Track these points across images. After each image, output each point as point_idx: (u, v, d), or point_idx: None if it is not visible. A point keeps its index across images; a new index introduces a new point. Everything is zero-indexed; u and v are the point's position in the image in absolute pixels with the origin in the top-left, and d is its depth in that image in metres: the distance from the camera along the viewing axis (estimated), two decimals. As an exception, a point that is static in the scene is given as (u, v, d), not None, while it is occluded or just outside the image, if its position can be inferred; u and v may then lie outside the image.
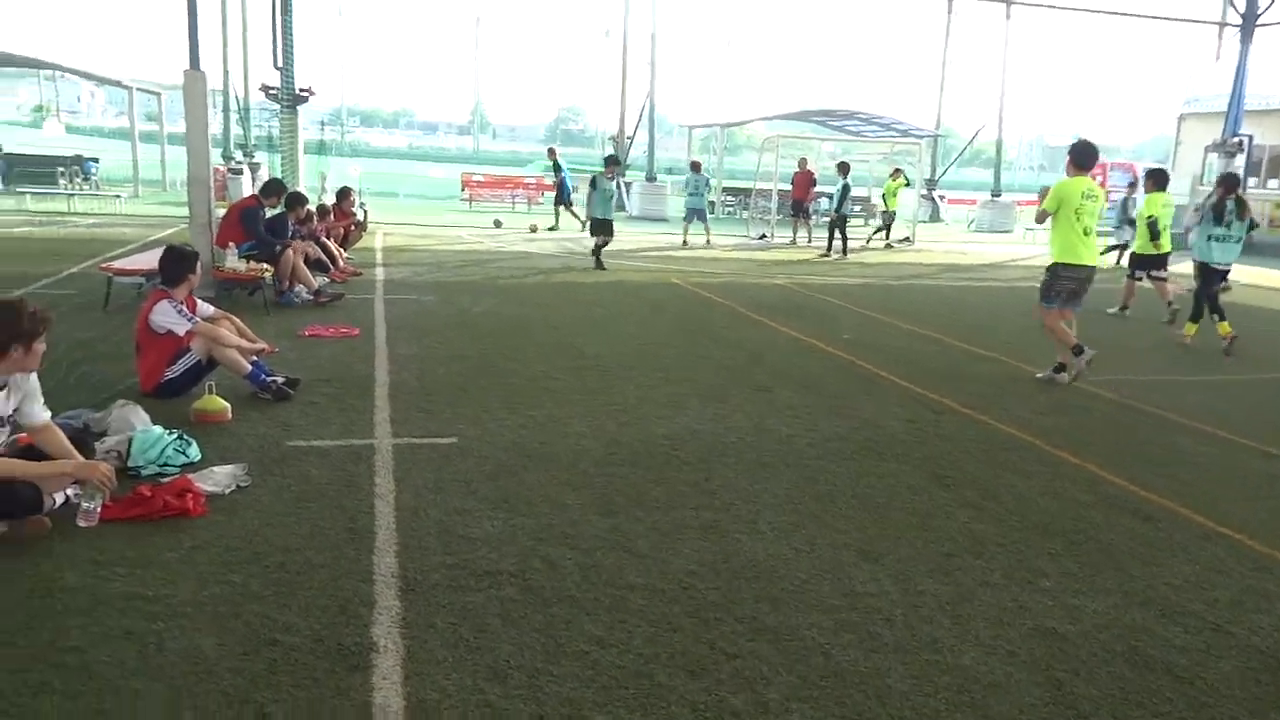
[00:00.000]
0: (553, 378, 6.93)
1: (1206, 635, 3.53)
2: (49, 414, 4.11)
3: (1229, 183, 10.34)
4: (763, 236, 21.51)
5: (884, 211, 21.43)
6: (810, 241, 20.57)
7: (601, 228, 14.53)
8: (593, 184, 14.74)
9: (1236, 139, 24.06)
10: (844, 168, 19.22)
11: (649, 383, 6.95)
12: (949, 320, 10.83)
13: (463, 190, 28.25)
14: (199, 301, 6.09)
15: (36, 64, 32.56)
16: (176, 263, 5.96)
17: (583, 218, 21.33)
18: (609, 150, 34.09)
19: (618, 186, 28.65)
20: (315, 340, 7.84)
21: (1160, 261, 11.71)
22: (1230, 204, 10.01)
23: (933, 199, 31.30)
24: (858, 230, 22.23)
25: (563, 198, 21.74)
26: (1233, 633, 3.56)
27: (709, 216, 19.97)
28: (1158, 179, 11.63)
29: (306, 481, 4.54)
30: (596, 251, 14.39)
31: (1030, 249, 23.17)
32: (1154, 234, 11.48)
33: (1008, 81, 30.35)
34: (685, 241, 19.19)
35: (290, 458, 4.86)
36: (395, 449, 5.10)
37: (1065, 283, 7.69)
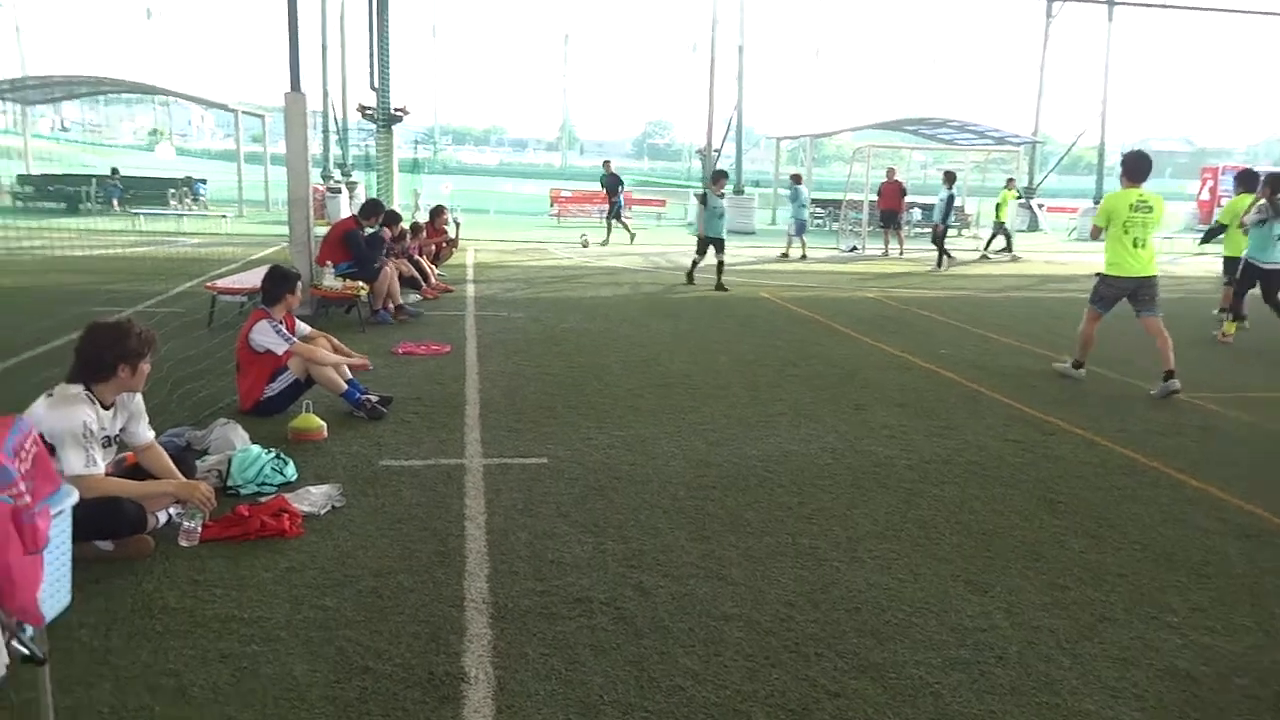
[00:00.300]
0: (641, 396, 6.85)
1: (1361, 683, 3.22)
2: (153, 433, 4.20)
3: (1276, 182, 10.11)
4: (853, 249, 21.11)
5: (995, 222, 20.81)
6: (902, 253, 20.10)
7: (713, 245, 13.65)
8: (702, 200, 14.00)
9: (1363, 138, 22.62)
10: (949, 177, 18.81)
11: (739, 401, 6.81)
12: (1052, 334, 10.38)
13: (551, 206, 28.54)
14: (297, 321, 6.20)
15: (150, 90, 34.15)
16: (277, 282, 6.09)
17: (632, 230, 21.30)
18: (695, 163, 34.02)
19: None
20: (408, 358, 7.93)
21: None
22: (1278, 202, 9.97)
23: (1031, 207, 30.31)
24: (952, 242, 21.61)
25: (615, 211, 21.44)
26: (1391, 682, 3.24)
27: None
28: (1246, 181, 11.46)
29: (399, 502, 4.54)
30: (693, 267, 14.01)
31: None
32: (1210, 235, 12.02)
33: (1110, 84, 29.24)
34: (787, 254, 18.94)
35: (383, 477, 4.88)
36: (485, 469, 5.08)
37: (1110, 290, 7.91)
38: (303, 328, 6.20)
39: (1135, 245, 7.67)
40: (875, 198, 21.47)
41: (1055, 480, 5.24)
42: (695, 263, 14.01)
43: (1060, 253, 22.31)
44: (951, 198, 18.30)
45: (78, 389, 3.81)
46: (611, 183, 21.55)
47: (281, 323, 5.99)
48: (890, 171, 21.35)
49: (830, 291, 13.80)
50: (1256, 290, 10.36)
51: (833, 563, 4.04)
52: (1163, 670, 3.24)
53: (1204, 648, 3.41)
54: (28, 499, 2.27)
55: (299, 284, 6.25)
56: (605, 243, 20.80)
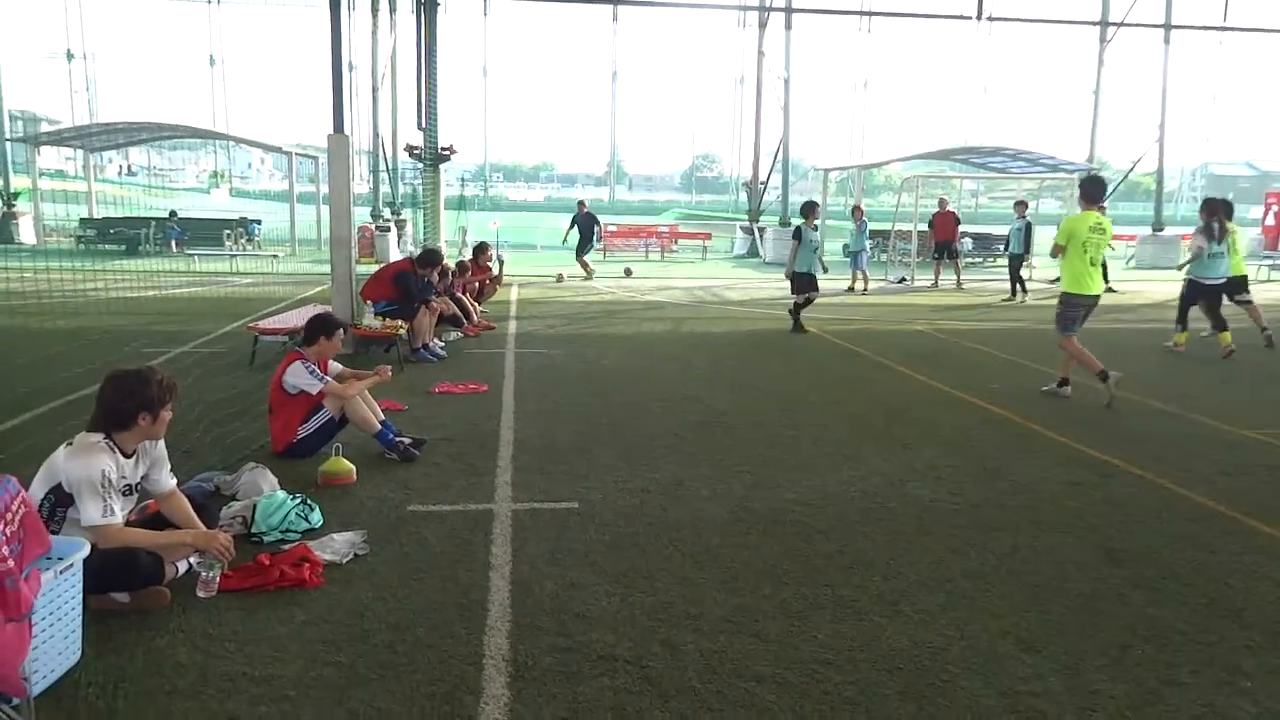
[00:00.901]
0: (678, 435, 6.68)
1: None
2: (175, 481, 4.14)
3: (1213, 206, 11.24)
4: (902, 280, 20.76)
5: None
6: (960, 284, 19.70)
7: (806, 284, 12.61)
8: (796, 234, 12.65)
9: None
10: (1023, 206, 18.37)
11: (779, 440, 6.60)
12: (1113, 368, 9.98)
13: (598, 241, 28.60)
14: (330, 363, 6.17)
15: (209, 134, 35.19)
16: (315, 327, 6.10)
17: (591, 268, 20.61)
18: (743, 195, 33.95)
19: (754, 233, 28.50)
20: (445, 397, 7.86)
21: (1242, 284, 12.01)
22: (1216, 226, 10.95)
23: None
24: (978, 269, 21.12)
25: (583, 248, 20.96)
26: None
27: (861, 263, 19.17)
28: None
29: (423, 550, 4.42)
30: (797, 311, 12.57)
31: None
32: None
33: (1168, 108, 28.57)
34: (853, 287, 18.57)
35: (409, 523, 4.77)
36: (514, 515, 4.94)
37: (1077, 310, 8.27)
38: (334, 367, 6.16)
39: (1092, 264, 8.23)
40: (926, 228, 21.11)
41: (1114, 526, 4.94)
42: (799, 306, 12.59)
43: (1119, 281, 21.67)
44: (1029, 226, 17.88)
45: (98, 438, 3.76)
46: (586, 222, 21.06)
47: (315, 364, 5.97)
48: (943, 202, 20.99)
49: (878, 324, 13.53)
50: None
51: (873, 617, 3.82)
52: (1235, 743, 2.97)
53: (1281, 717, 3.12)
54: (10, 564, 2.18)
55: (338, 331, 6.23)
56: (588, 277, 20.27)
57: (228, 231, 26.17)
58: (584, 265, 20.76)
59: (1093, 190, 8.46)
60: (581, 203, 22.25)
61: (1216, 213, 11.08)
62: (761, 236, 27.71)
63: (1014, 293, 17.45)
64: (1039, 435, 6.90)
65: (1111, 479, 5.81)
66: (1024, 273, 17.89)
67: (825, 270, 13.65)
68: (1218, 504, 5.33)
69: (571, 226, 21.29)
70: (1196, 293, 11.21)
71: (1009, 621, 3.81)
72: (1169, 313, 15.73)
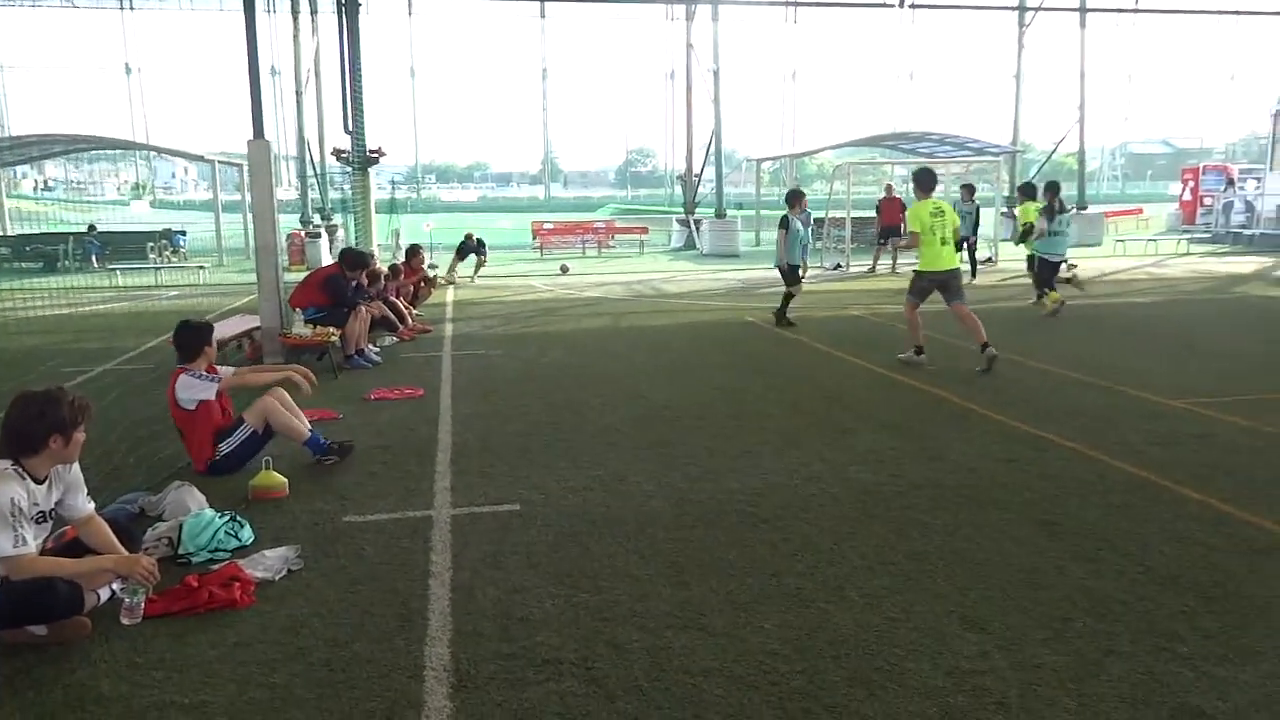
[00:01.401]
0: (619, 431, 6.62)
1: (1388, 710, 2.98)
2: (93, 505, 3.97)
3: (1054, 188, 12.83)
4: (838, 266, 20.98)
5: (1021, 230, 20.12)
6: (894, 270, 19.95)
7: (794, 277, 12.18)
8: (783, 224, 12.11)
9: (1340, 131, 22.66)
10: (970, 190, 18.45)
11: (721, 431, 6.59)
12: (1042, 344, 10.20)
13: (533, 239, 28.41)
14: (218, 367, 5.97)
15: (127, 145, 34.13)
16: (191, 337, 5.83)
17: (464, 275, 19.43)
18: (678, 189, 33.97)
19: (690, 226, 28.54)
20: (380, 403, 7.70)
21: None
22: (1057, 205, 12.51)
23: (1013, 216, 30.26)
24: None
25: (464, 252, 20.16)
26: None
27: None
28: (1027, 191, 14.68)
29: (359, 561, 4.30)
30: (784, 308, 12.08)
31: (1124, 261, 22.14)
32: (1023, 237, 13.68)
33: (1086, 90, 29.30)
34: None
35: (345, 535, 4.64)
36: (454, 520, 4.84)
37: (929, 284, 9.24)
38: (225, 370, 5.94)
39: (942, 244, 9.07)
40: (863, 214, 21.38)
41: (1051, 500, 5.02)
42: (789, 297, 12.11)
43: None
44: (978, 209, 18.19)
45: (5, 464, 3.58)
46: (471, 246, 20.23)
47: (203, 371, 5.75)
48: (889, 188, 21.35)
49: (816, 311, 13.62)
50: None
51: (819, 604, 3.80)
52: (1176, 709, 3.00)
53: (1218, 680, 3.17)
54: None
55: (213, 334, 6.01)
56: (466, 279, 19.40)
57: (151, 244, 25.37)
58: (449, 275, 19.57)
59: (925, 181, 9.47)
60: (469, 235, 20.94)
61: (1054, 195, 12.66)
62: (698, 229, 27.76)
63: (973, 273, 17.64)
64: (975, 414, 6.99)
65: (1046, 454, 5.90)
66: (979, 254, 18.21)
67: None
68: (1149, 473, 5.44)
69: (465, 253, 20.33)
70: (1043, 266, 12.91)
71: (953, 601, 3.83)
72: (1095, 288, 16.17)
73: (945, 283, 9.18)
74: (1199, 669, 3.26)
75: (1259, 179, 27.98)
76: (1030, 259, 13.55)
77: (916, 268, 9.37)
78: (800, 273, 12.55)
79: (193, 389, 5.62)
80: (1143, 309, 13.46)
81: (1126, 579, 4.01)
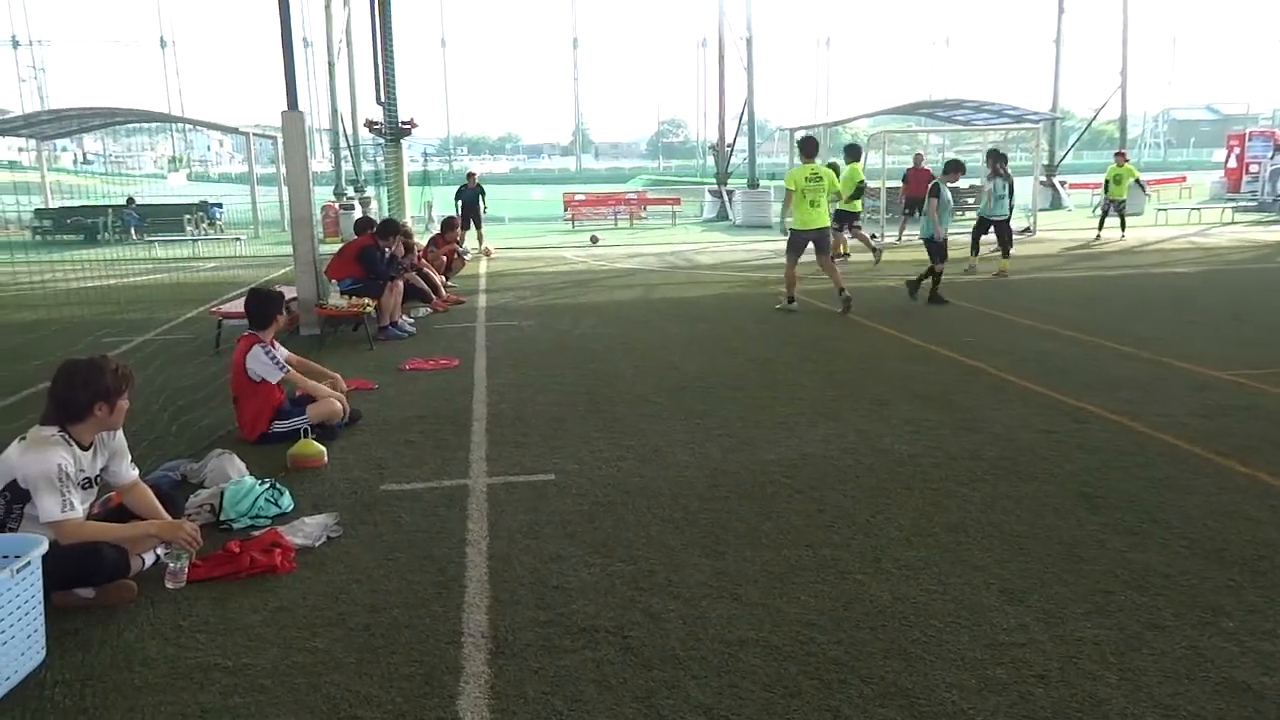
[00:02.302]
0: (653, 402, 6.62)
1: None
2: (136, 471, 4.03)
3: (997, 155, 14.67)
4: (873, 236, 20.73)
5: (1110, 201, 19.72)
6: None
7: (942, 251, 11.30)
8: (934, 192, 11.35)
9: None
10: (1001, 157, 18.09)
11: (755, 402, 6.56)
12: (1083, 315, 10.03)
13: (565, 210, 28.38)
14: (277, 344, 6.04)
15: (164, 118, 34.46)
16: (266, 304, 5.94)
17: (484, 245, 19.28)
18: (710, 160, 33.69)
19: (723, 196, 28.32)
20: (415, 373, 7.75)
21: (856, 217, 16.15)
22: (1003, 171, 14.23)
23: (1053, 185, 29.73)
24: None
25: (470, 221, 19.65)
26: None
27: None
28: (853, 152, 16.54)
29: (398, 529, 4.34)
30: (937, 281, 11.20)
31: (1166, 231, 21.67)
32: (857, 194, 15.63)
33: (1129, 55, 28.61)
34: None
35: (382, 503, 4.68)
36: (490, 489, 4.87)
37: (799, 240, 10.63)
38: (282, 351, 6.00)
39: (812, 206, 10.49)
40: (897, 184, 21.10)
41: (1091, 472, 4.94)
42: (938, 274, 11.22)
43: (1087, 230, 21.80)
44: (1012, 183, 17.78)
45: (51, 431, 3.64)
46: (471, 196, 19.95)
47: (272, 346, 5.83)
48: (918, 158, 20.97)
49: (850, 282, 13.45)
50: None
51: (855, 575, 3.78)
52: (1220, 684, 2.96)
53: (1264, 655, 3.12)
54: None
55: (284, 302, 6.14)
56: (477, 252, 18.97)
57: (188, 216, 25.68)
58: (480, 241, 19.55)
59: (807, 147, 10.80)
60: (471, 175, 20.76)
61: (999, 162, 14.37)
62: (730, 199, 27.56)
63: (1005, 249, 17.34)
64: (1013, 385, 6.90)
65: (1087, 425, 5.81)
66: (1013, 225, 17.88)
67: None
68: (1193, 446, 5.34)
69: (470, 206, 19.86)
70: (984, 226, 14.45)
71: (991, 573, 3.79)
72: (1137, 259, 15.88)
73: (816, 240, 10.64)
74: (1244, 644, 3.20)
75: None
76: (839, 215, 14.88)
77: (791, 226, 10.75)
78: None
79: (263, 366, 5.72)
80: (1186, 279, 13.18)
81: (1169, 552, 3.95)
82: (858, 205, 16.07)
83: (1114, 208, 19.42)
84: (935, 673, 3.05)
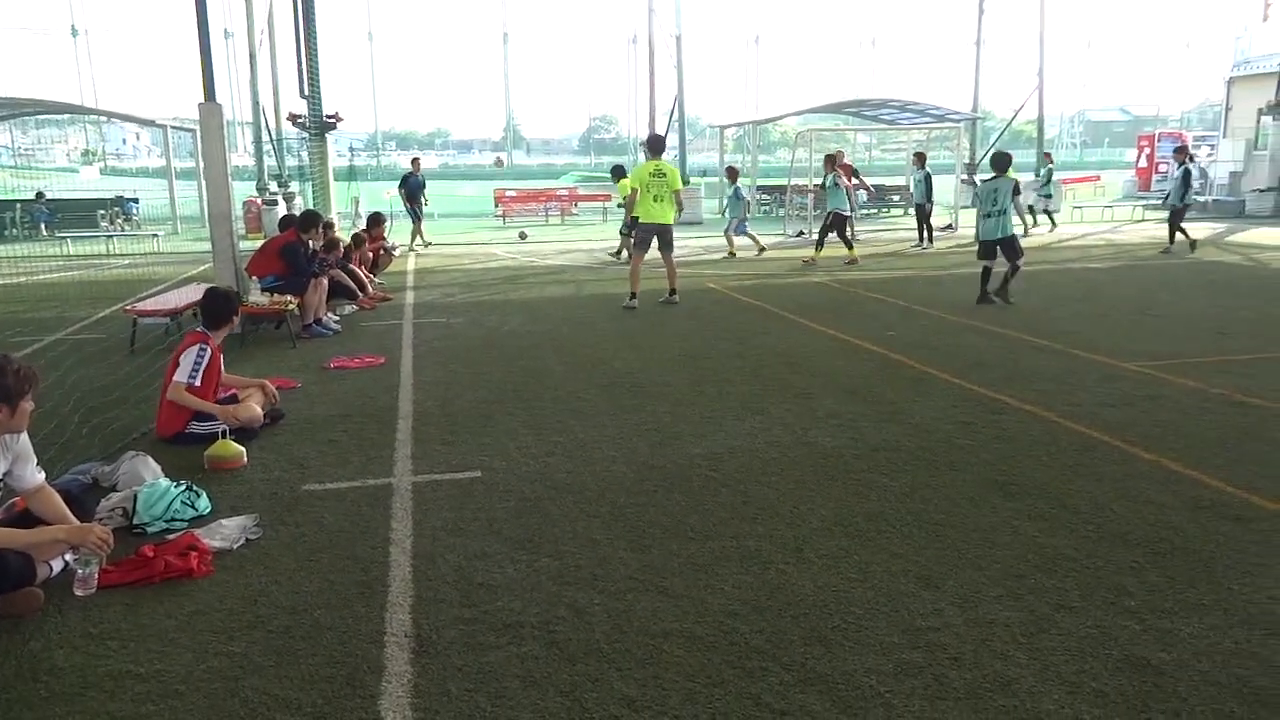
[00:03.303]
0: (582, 398, 6.62)
1: (1323, 658, 3.09)
2: (43, 475, 3.89)
3: (832, 157, 16.47)
4: (800, 233, 21.02)
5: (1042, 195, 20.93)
6: (854, 236, 20.00)
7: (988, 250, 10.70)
8: (1016, 189, 10.82)
9: (1291, 98, 23.02)
10: (921, 158, 19.18)
11: (683, 397, 6.61)
12: (1001, 309, 10.32)
13: (496, 206, 28.14)
14: (223, 369, 5.90)
15: (76, 110, 33.22)
16: (223, 303, 5.88)
17: (425, 239, 18.78)
18: (641, 157, 33.78)
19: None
20: (340, 372, 7.61)
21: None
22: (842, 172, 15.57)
23: (973, 183, 30.44)
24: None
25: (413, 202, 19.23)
26: (1354, 654, 3.12)
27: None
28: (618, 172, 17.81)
29: (320, 529, 4.27)
30: (1005, 283, 10.56)
31: (1081, 228, 22.42)
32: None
33: (1045, 58, 29.48)
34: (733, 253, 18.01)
35: (304, 503, 4.60)
36: (415, 487, 4.82)
37: (644, 234, 10.86)
38: (217, 363, 5.85)
39: (656, 201, 10.71)
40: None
41: (1006, 461, 5.10)
42: (1008, 277, 10.60)
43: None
44: (928, 176, 18.47)
45: (-50, 434, 3.49)
46: (417, 185, 19.29)
47: (215, 354, 5.68)
48: (839, 155, 21.28)
49: (777, 279, 13.67)
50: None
51: (778, 565, 3.85)
52: (1122, 660, 3.08)
53: (1163, 632, 3.26)
54: None
55: (239, 305, 6.05)
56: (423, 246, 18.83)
57: (102, 212, 24.77)
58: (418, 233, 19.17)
59: (653, 144, 11.22)
60: (416, 160, 20.20)
61: (832, 162, 15.83)
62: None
63: (921, 239, 17.99)
64: (934, 378, 7.07)
65: (1003, 416, 5.99)
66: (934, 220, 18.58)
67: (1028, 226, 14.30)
68: (1101, 434, 5.55)
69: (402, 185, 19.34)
70: (836, 221, 15.23)
71: (909, 560, 3.89)
72: (1051, 255, 16.39)
73: (660, 234, 10.83)
74: (1145, 621, 3.35)
75: (1212, 146, 28.39)
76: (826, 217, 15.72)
77: (638, 219, 10.92)
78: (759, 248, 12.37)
79: (188, 364, 5.55)
80: (1099, 274, 13.65)
81: (1078, 536, 4.10)
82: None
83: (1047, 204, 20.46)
84: (854, 658, 3.12)
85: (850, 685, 2.96)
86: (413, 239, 19.05)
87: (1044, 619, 3.38)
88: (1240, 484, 4.67)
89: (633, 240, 11.02)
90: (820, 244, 15.50)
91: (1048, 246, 17.92)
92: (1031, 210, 20.83)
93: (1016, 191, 10.83)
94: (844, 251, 15.10)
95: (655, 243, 10.98)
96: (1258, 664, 3.05)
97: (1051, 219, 21.47)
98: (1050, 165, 22.42)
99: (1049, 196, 21.55)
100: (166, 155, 27.56)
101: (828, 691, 2.93)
